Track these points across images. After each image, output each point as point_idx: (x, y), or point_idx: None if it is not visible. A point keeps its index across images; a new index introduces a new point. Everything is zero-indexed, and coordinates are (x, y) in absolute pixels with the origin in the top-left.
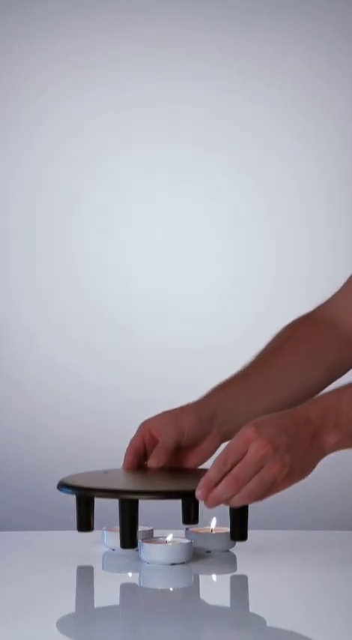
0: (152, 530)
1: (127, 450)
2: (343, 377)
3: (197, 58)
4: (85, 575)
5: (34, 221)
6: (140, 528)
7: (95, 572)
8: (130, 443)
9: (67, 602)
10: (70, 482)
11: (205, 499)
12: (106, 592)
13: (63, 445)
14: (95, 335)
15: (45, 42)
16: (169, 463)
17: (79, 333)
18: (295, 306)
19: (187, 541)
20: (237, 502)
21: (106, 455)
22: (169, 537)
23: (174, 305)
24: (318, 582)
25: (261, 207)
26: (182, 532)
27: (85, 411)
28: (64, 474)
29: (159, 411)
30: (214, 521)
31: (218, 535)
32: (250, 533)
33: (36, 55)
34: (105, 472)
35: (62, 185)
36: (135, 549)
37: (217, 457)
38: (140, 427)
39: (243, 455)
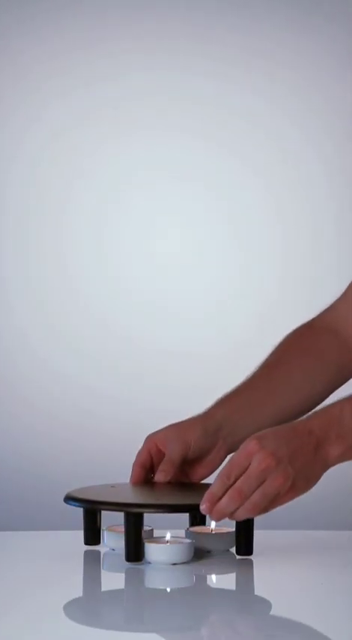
0: (152, 530)
1: (134, 463)
2: (345, 386)
3: (196, 50)
4: (85, 574)
5: (28, 221)
6: None
7: (95, 571)
8: (137, 456)
9: (65, 602)
10: (77, 495)
11: (210, 512)
12: (106, 590)
13: (60, 451)
14: (92, 339)
15: (40, 38)
16: (176, 476)
17: (75, 336)
18: (297, 309)
19: (189, 541)
20: (241, 515)
21: (104, 460)
22: (168, 536)
23: (173, 308)
24: (319, 582)
25: (263, 206)
26: (181, 532)
27: (83, 415)
28: (61, 479)
29: (157, 416)
30: (214, 522)
31: (218, 535)
32: None
33: (30, 51)
34: (112, 486)
35: (57, 183)
36: None
37: (220, 471)
38: (146, 441)
39: (246, 468)
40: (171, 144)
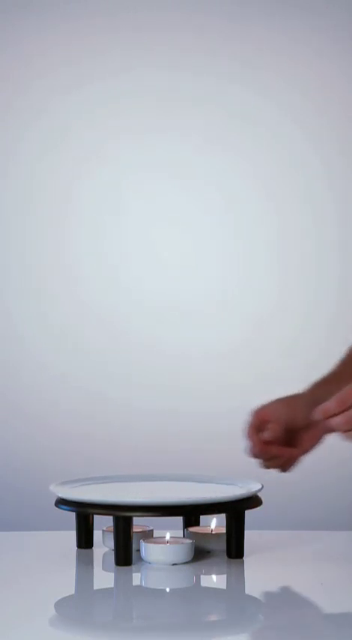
0: (152, 531)
1: (249, 431)
2: None
3: (196, 47)
4: (85, 574)
5: (26, 221)
6: (140, 528)
7: (95, 571)
8: (249, 425)
9: (65, 602)
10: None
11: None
12: (106, 590)
13: (59, 454)
14: (89, 340)
15: (42, 33)
16: (284, 440)
17: (73, 337)
18: (297, 310)
19: (189, 541)
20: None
21: (103, 465)
22: (168, 536)
23: (173, 309)
24: (318, 582)
25: (264, 207)
26: (179, 531)
27: (82, 417)
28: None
29: (157, 418)
30: (214, 522)
31: (218, 535)
32: (250, 533)
33: (31, 46)
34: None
35: (55, 183)
36: (136, 550)
37: (338, 394)
38: (254, 413)
39: None
40: (172, 142)
